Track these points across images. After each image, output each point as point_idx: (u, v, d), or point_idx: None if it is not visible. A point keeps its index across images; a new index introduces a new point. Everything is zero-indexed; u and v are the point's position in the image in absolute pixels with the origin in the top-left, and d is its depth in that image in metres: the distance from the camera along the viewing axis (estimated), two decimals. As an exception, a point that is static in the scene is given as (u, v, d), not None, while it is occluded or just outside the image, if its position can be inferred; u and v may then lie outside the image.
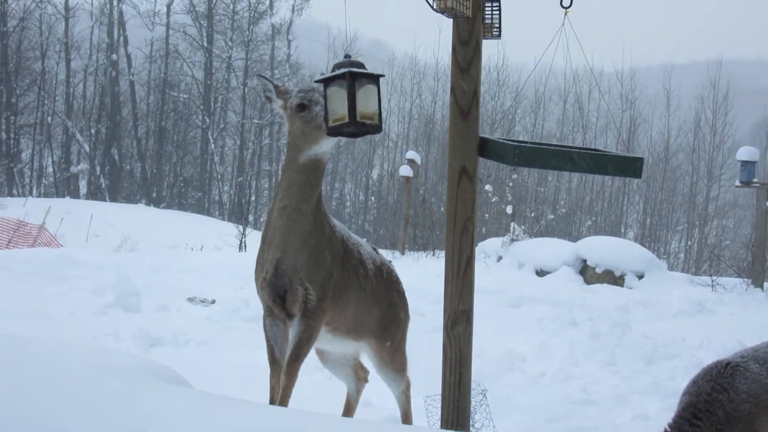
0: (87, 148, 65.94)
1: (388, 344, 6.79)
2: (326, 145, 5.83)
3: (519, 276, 21.44)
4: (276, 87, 6.08)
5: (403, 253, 30.09)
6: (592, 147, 7.09)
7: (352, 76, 5.20)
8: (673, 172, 70.98)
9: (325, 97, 5.37)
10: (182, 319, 12.14)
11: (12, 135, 62.47)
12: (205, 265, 17.40)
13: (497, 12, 6.12)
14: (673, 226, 70.30)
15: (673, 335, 12.73)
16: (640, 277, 21.43)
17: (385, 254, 9.76)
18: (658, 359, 11.14)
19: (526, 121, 73.07)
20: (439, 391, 6.02)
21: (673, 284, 20.75)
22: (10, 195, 54.99)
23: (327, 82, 5.33)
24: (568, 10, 6.16)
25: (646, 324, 14.01)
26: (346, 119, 5.21)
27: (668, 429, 5.07)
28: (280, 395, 5.89)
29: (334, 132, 5.39)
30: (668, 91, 72.97)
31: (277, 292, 5.96)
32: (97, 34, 68.20)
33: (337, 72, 5.26)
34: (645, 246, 32.54)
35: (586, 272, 21.98)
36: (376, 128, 5.35)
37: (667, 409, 8.31)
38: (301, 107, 5.78)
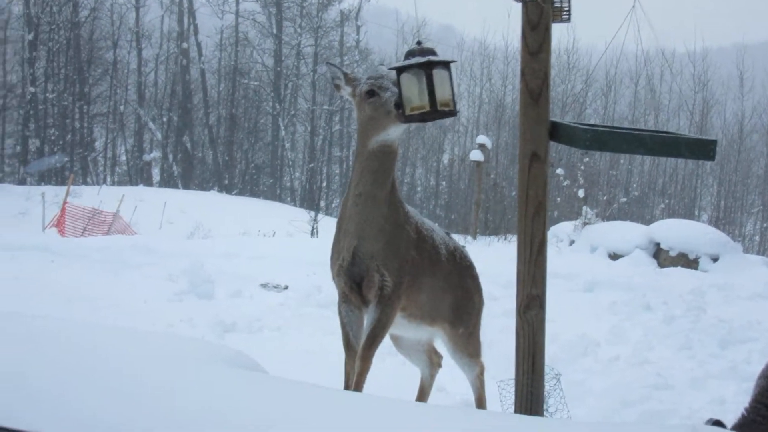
0: (159, 137, 66.57)
1: (463, 329, 6.80)
2: (395, 132, 5.83)
3: (592, 260, 21.33)
4: (345, 74, 6.10)
5: (474, 238, 30.02)
6: (664, 129, 7.03)
7: (430, 65, 5.22)
8: (747, 154, 70.23)
9: (399, 85, 5.39)
10: (255, 306, 12.22)
11: (85, 124, 63.28)
12: (278, 251, 17.43)
13: (567, -5, 6.08)
14: (748, 208, 69.51)
15: (748, 318, 12.56)
16: (715, 260, 21.23)
17: (457, 239, 9.74)
18: (734, 343, 11.02)
19: (597, 104, 72.65)
20: (513, 376, 6.01)
21: (749, 267, 20.51)
22: (85, 183, 55.70)
23: (400, 70, 5.35)
24: (638, -9, 6.11)
25: (721, 307, 13.85)
26: (427, 108, 5.24)
27: (745, 414, 5.02)
28: (354, 381, 5.92)
29: (410, 119, 5.41)
30: (741, 72, 72.19)
31: (354, 279, 5.99)
32: (167, 23, 68.92)
33: (413, 60, 5.28)
34: (719, 228, 32.23)
35: (660, 255, 21.83)
36: (452, 113, 5.38)
37: (744, 393, 8.24)
38: (371, 93, 5.79)
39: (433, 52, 5.32)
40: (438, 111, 5.25)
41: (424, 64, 5.23)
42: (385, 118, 5.72)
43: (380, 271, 5.89)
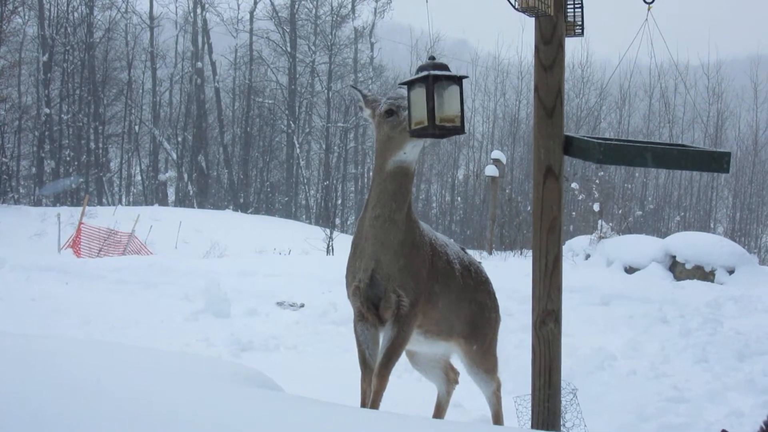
0: (174, 156, 66.71)
1: (479, 345, 6.79)
2: (412, 151, 5.84)
3: (607, 274, 21.26)
4: (365, 96, 6.15)
5: (490, 253, 30.00)
6: (679, 142, 7.02)
7: (434, 79, 5.20)
8: (762, 165, 70.00)
9: (408, 100, 5.39)
10: (272, 324, 12.24)
11: (101, 145, 63.37)
12: (294, 269, 17.42)
13: (579, 9, 6.08)
14: (764, 220, 69.25)
15: (765, 330, 12.49)
16: (731, 272, 21.15)
17: (473, 254, 9.76)
18: (751, 355, 10.95)
19: (611, 117, 72.55)
20: (529, 391, 6.00)
21: (765, 279, 20.41)
22: (100, 204, 55.80)
23: (410, 84, 5.34)
24: (651, 5, 6.11)
25: (738, 320, 13.79)
26: (425, 123, 5.21)
27: (764, 427, 4.99)
28: (371, 399, 5.92)
29: (416, 134, 5.40)
30: (756, 83, 72.02)
31: (371, 299, 6.01)
32: (181, 42, 69.06)
33: (419, 75, 5.27)
34: (735, 241, 32.15)
35: (676, 268, 21.76)
36: (458, 130, 5.34)
37: (762, 406, 8.21)
38: (389, 113, 5.82)
39: (444, 67, 5.31)
40: (436, 126, 5.22)
41: (426, 78, 5.23)
42: (401, 137, 5.74)
43: (397, 292, 5.91)
